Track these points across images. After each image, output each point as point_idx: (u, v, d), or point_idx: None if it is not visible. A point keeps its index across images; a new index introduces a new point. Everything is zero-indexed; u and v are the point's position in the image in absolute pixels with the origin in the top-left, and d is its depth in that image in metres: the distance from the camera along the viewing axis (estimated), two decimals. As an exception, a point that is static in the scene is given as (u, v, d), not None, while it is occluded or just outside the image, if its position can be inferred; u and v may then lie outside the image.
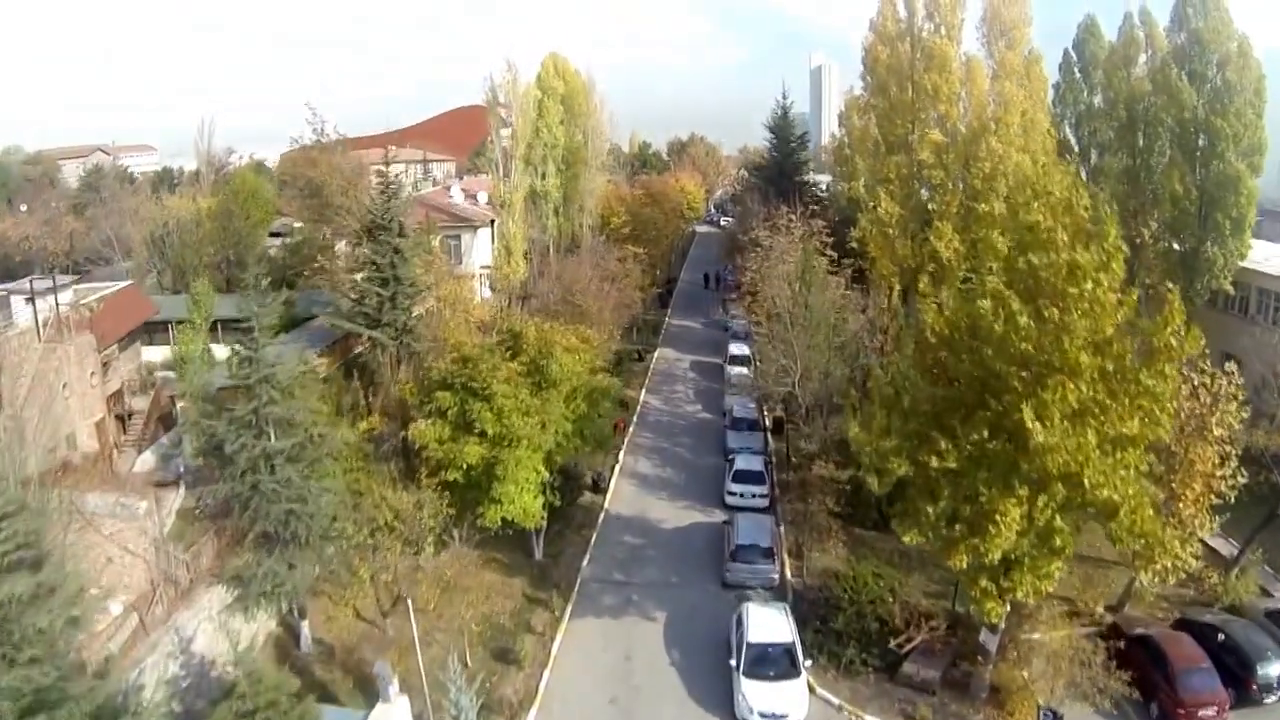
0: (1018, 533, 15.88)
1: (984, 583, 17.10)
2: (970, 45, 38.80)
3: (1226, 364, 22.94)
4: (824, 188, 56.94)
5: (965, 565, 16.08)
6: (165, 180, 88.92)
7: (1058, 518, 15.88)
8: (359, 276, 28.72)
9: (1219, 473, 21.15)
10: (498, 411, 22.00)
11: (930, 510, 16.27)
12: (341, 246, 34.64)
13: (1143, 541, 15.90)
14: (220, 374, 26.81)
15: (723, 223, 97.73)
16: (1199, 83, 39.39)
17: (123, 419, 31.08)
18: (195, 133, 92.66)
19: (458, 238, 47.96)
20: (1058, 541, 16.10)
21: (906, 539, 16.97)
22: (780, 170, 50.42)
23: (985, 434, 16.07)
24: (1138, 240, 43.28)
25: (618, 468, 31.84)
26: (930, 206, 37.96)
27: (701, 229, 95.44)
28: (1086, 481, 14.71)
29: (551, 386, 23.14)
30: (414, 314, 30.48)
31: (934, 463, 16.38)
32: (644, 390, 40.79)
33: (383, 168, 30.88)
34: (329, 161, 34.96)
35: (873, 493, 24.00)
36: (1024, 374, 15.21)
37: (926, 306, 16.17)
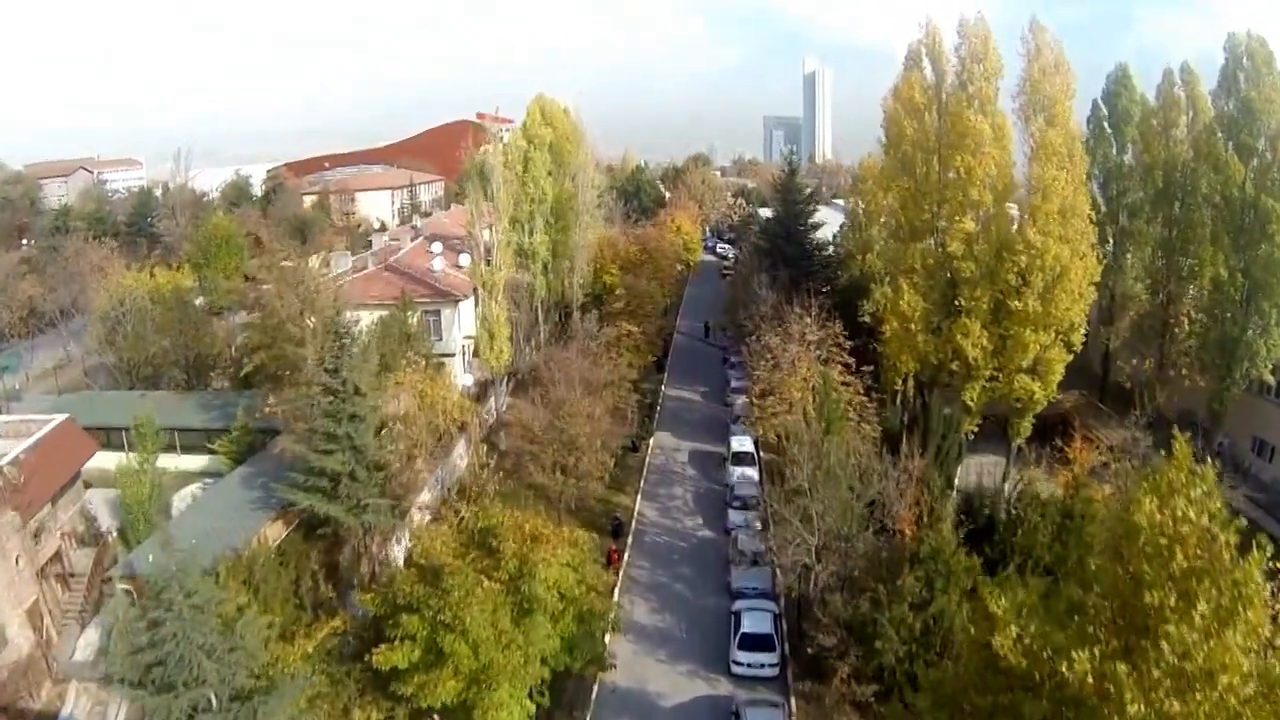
0: None
1: None
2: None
3: None
4: (830, 239, 53.23)
5: None
6: (144, 211, 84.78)
7: None
8: (311, 448, 25.53)
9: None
10: (473, 645, 19.00)
11: None
12: (310, 363, 31.13)
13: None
14: (152, 553, 23.81)
15: (719, 249, 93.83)
16: (1247, 155, 35.96)
17: (64, 579, 28.04)
18: (173, 162, 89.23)
19: (438, 313, 44.66)
20: None
21: None
22: (788, 234, 46.70)
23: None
24: (1176, 329, 40.16)
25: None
26: (958, 302, 34.56)
27: (700, 258, 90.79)
28: None
29: (535, 604, 20.11)
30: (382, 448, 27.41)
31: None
32: (639, 496, 37.54)
33: (334, 314, 27.22)
34: (280, 287, 31.10)
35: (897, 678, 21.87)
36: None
37: (1004, 637, 12.98)
